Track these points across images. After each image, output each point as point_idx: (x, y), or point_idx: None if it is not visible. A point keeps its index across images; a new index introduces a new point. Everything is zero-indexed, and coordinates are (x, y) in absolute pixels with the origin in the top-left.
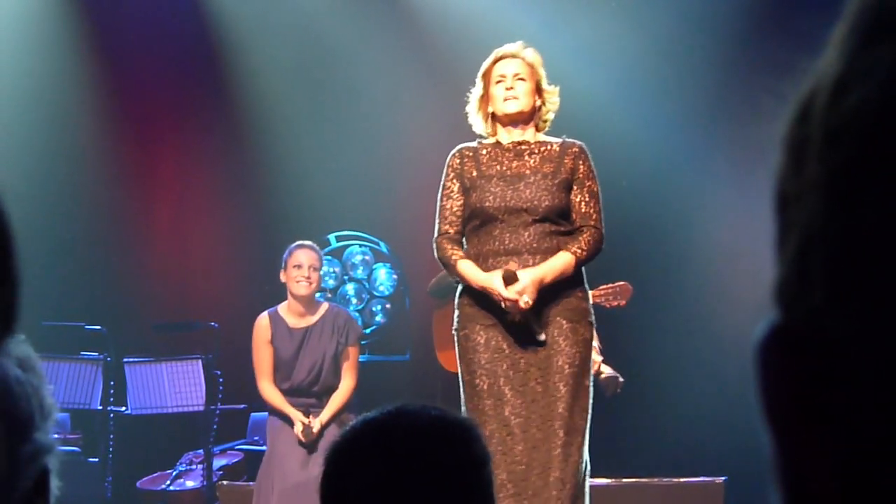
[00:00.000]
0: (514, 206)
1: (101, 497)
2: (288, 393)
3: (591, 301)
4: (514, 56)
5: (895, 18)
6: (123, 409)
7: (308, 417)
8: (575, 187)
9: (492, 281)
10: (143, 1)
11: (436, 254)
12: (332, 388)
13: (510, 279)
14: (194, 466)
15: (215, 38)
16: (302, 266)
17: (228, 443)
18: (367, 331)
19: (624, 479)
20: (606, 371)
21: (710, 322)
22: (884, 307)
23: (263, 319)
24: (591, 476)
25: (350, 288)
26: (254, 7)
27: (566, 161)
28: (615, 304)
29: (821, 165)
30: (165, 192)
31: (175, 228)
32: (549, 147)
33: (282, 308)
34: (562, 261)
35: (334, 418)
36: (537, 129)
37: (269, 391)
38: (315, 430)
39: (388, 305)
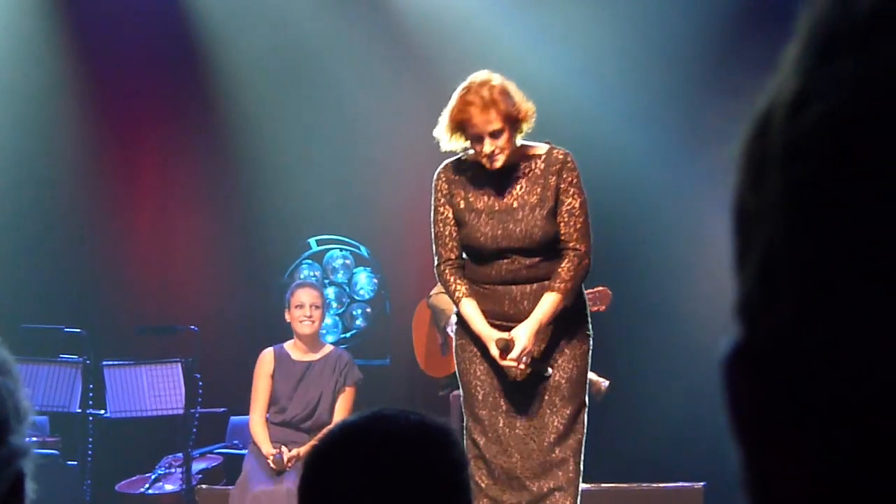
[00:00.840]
0: (507, 246)
1: (79, 500)
2: (281, 425)
3: (588, 310)
4: (484, 108)
5: (851, 33)
6: (102, 412)
7: (283, 446)
8: (557, 207)
9: (489, 343)
10: (123, 1)
11: (438, 280)
12: (324, 427)
13: (506, 349)
14: (173, 470)
15: (196, 40)
16: (304, 305)
17: (207, 446)
18: (348, 335)
19: (603, 484)
20: (592, 377)
21: (689, 327)
22: (854, 318)
23: (268, 354)
24: None
25: (331, 292)
26: (236, 9)
27: (550, 180)
28: (595, 309)
29: (782, 179)
30: (146, 194)
31: (155, 232)
32: (533, 165)
33: (287, 345)
34: (550, 303)
35: None
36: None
37: (256, 425)
38: (289, 461)
39: (368, 309)
